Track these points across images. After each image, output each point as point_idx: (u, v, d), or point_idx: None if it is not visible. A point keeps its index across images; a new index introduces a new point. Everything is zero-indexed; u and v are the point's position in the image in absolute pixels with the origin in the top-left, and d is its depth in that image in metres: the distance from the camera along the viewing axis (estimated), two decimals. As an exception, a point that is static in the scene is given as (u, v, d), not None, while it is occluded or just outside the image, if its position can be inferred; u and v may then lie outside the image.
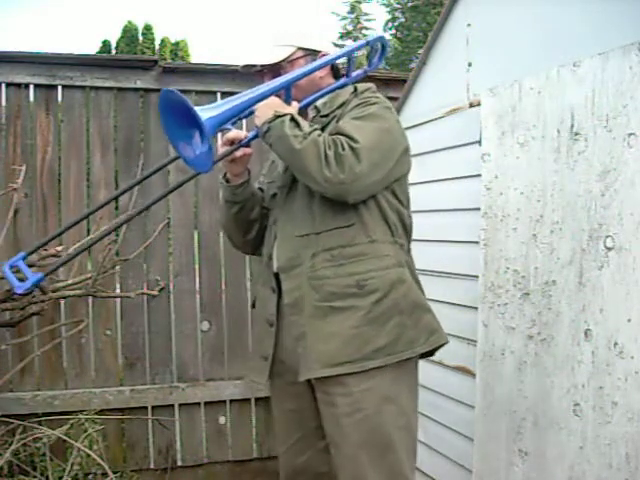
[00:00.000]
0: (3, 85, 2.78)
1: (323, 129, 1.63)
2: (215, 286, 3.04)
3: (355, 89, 1.72)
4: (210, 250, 3.03)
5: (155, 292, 2.90)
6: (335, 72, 1.79)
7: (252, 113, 1.60)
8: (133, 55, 15.72)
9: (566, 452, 1.77)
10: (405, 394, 1.63)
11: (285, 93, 1.61)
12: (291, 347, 1.65)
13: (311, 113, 1.74)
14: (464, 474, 2.35)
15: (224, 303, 3.03)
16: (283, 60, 1.69)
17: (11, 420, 2.55)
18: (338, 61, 1.77)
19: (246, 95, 1.55)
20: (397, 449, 1.59)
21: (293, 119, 1.53)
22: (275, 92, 1.60)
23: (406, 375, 1.64)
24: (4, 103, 2.79)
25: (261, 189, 1.87)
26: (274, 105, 1.58)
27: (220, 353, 3.03)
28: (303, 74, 1.64)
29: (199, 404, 2.99)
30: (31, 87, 2.81)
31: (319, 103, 1.73)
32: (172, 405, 2.95)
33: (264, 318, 1.73)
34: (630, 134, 1.61)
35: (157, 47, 21.90)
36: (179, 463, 2.98)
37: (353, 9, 30.57)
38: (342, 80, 1.77)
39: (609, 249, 1.66)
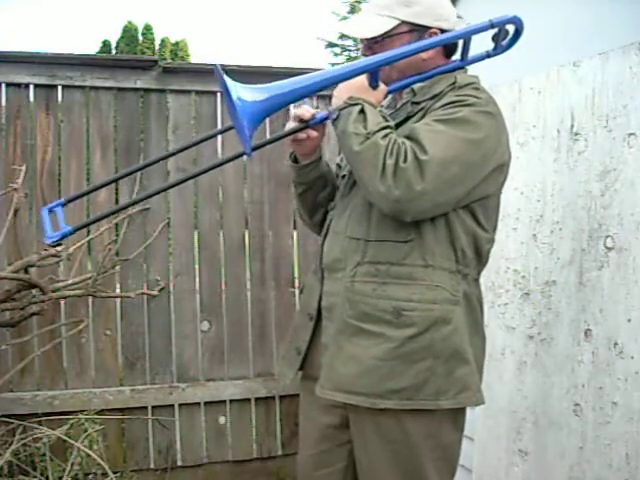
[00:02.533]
0: (3, 85, 2.77)
1: (407, 119, 1.44)
2: (215, 286, 3.04)
3: (455, 81, 1.45)
4: (210, 250, 3.03)
5: (155, 292, 2.90)
6: (448, 52, 1.51)
7: (308, 95, 1.40)
8: (133, 55, 15.72)
9: (566, 452, 1.77)
10: (447, 427, 1.45)
11: (371, 76, 1.38)
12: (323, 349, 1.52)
13: (406, 96, 1.49)
14: (464, 474, 2.35)
15: (224, 303, 3.03)
16: (382, 35, 1.43)
17: (11, 420, 2.55)
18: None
19: (313, 77, 1.35)
20: (429, 476, 1.43)
21: (362, 110, 1.33)
22: (353, 76, 1.37)
23: (448, 413, 1.44)
24: (4, 103, 2.78)
25: (339, 165, 1.68)
26: (354, 88, 1.37)
27: (220, 353, 3.02)
28: (397, 57, 1.39)
29: (199, 404, 2.99)
30: (31, 87, 2.80)
31: (416, 86, 1.47)
32: (172, 405, 2.95)
33: (306, 310, 1.59)
34: (630, 134, 1.61)
35: (157, 47, 21.90)
36: (179, 463, 2.98)
37: (353, 9, 30.55)
38: (454, 63, 1.50)
39: (609, 249, 1.66)
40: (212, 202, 3.01)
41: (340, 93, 1.39)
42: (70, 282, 2.62)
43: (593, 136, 1.71)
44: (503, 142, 1.42)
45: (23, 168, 2.59)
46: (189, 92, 2.95)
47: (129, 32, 21.75)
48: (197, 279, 3.02)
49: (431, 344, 1.38)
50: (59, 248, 2.42)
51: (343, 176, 1.59)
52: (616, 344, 1.63)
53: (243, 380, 3.01)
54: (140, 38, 21.95)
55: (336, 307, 1.46)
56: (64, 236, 1.36)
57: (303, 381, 1.63)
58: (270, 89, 1.30)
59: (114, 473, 2.51)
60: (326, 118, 1.43)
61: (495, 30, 1.46)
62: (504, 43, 1.51)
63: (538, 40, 2.02)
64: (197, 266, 3.03)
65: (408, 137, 1.32)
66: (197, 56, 25.71)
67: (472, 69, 1.58)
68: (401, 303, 1.38)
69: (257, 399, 3.05)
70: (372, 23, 1.44)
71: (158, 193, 1.66)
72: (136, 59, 3.24)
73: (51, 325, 2.76)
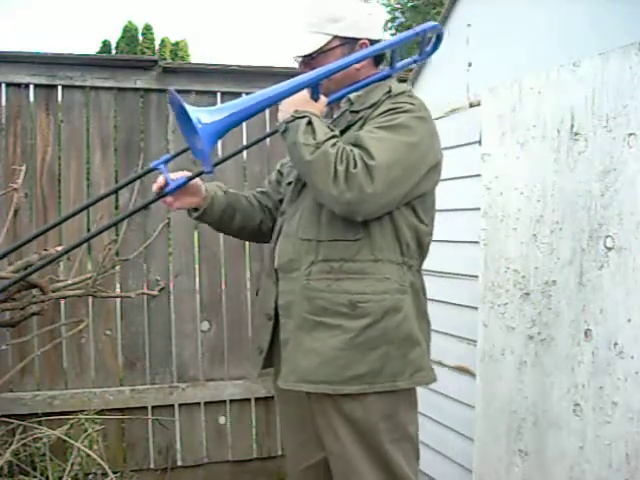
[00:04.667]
0: (3, 85, 2.78)
1: (348, 128, 1.54)
2: (215, 286, 3.04)
3: (390, 90, 1.56)
4: (210, 250, 3.03)
5: (155, 292, 2.90)
6: (377, 60, 1.63)
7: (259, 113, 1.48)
8: (133, 55, 15.71)
9: (566, 452, 1.77)
10: (401, 409, 1.56)
11: (312, 90, 1.48)
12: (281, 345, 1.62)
13: (343, 106, 1.61)
14: (464, 474, 2.35)
15: (224, 303, 3.03)
16: (315, 51, 1.56)
17: (11, 420, 2.55)
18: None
19: (257, 97, 1.42)
20: (394, 458, 1.54)
21: (310, 122, 1.42)
22: (296, 91, 1.46)
23: (402, 394, 1.56)
24: (4, 103, 2.79)
25: (281, 172, 1.78)
26: (298, 102, 1.47)
27: (220, 353, 3.03)
28: (334, 70, 1.49)
29: (199, 404, 2.99)
30: (31, 87, 2.81)
31: (352, 96, 1.59)
32: (172, 405, 2.95)
33: (264, 311, 1.68)
34: (630, 134, 1.61)
35: (157, 47, 21.89)
36: (179, 463, 2.98)
37: (353, 9, 30.53)
38: (384, 71, 1.61)
39: (609, 249, 1.66)
40: (212, 202, 3.01)
41: (286, 107, 1.48)
42: (70, 282, 2.62)
43: (593, 136, 1.71)
44: (435, 143, 1.54)
45: (23, 168, 2.60)
46: (189, 92, 2.95)
47: (129, 32, 21.74)
48: (197, 279, 3.03)
49: (385, 331, 1.49)
50: (59, 248, 2.42)
51: (289, 183, 1.68)
52: (616, 344, 1.63)
53: (243, 380, 3.01)
54: (140, 38, 21.94)
55: (293, 305, 1.55)
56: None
57: (275, 379, 1.71)
58: (225, 109, 1.37)
59: (114, 473, 2.51)
60: (187, 181, 1.54)
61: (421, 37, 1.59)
62: (428, 49, 1.65)
63: (538, 40, 2.02)
64: (197, 266, 3.03)
65: (354, 144, 1.42)
66: (197, 56, 25.72)
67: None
68: (356, 296, 1.49)
69: (257, 399, 3.05)
70: (306, 41, 1.56)
71: (153, 202, 1.69)
72: (136, 59, 3.25)
73: (51, 325, 2.76)
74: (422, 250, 1.62)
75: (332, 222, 1.51)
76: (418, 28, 1.59)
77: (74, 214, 1.63)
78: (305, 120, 1.42)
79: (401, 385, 1.52)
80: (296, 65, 1.65)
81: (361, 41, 1.58)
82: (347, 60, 1.50)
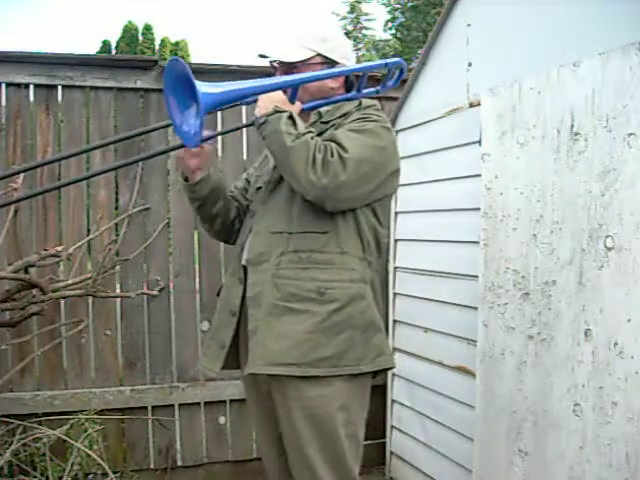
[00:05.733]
0: (3, 85, 2.78)
1: (320, 134, 1.64)
2: (215, 286, 3.01)
3: (360, 103, 1.73)
4: (210, 250, 3.03)
5: (155, 292, 2.91)
6: (348, 86, 1.80)
7: (255, 102, 1.62)
8: (133, 55, 15.72)
9: (566, 452, 1.77)
10: (356, 405, 1.66)
11: (291, 92, 1.62)
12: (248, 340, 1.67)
13: (313, 117, 1.75)
14: (464, 474, 2.35)
15: (224, 303, 3.03)
16: (300, 61, 1.70)
17: (11, 420, 2.55)
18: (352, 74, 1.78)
19: (252, 83, 1.55)
20: (347, 455, 1.63)
21: (291, 117, 1.55)
22: (282, 88, 1.60)
23: (359, 387, 1.66)
24: (4, 103, 2.78)
25: (248, 180, 1.90)
26: (277, 100, 1.59)
27: (220, 353, 3.02)
28: (314, 78, 1.64)
29: (199, 404, 2.99)
30: (31, 87, 2.81)
31: (322, 110, 1.74)
32: (172, 405, 2.95)
33: (227, 307, 1.75)
34: (630, 134, 1.61)
35: (157, 47, 21.91)
36: (179, 463, 2.98)
37: (353, 9, 30.53)
38: (351, 94, 1.77)
39: (609, 249, 1.66)
40: (212, 202, 3.01)
41: (264, 103, 1.59)
42: (70, 282, 2.62)
43: (593, 136, 1.71)
44: (397, 153, 1.71)
45: (23, 168, 2.59)
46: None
47: (129, 32, 21.76)
48: (197, 279, 3.03)
49: (351, 316, 1.61)
50: (59, 248, 2.42)
51: (258, 188, 1.79)
52: (616, 344, 1.63)
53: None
54: (140, 38, 21.96)
55: (263, 294, 1.63)
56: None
57: (244, 376, 1.78)
58: (219, 86, 1.47)
59: (114, 473, 2.51)
60: (208, 138, 1.64)
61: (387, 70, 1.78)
62: (389, 83, 1.83)
63: (538, 40, 2.02)
64: (197, 266, 3.03)
65: (330, 140, 1.56)
66: (197, 56, 25.74)
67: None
68: (324, 283, 1.60)
69: (257, 399, 3.04)
70: (293, 50, 1.70)
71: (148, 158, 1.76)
72: (136, 59, 3.24)
73: (51, 325, 2.76)
74: (379, 250, 1.74)
75: (303, 216, 1.62)
76: (387, 60, 1.79)
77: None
78: (287, 114, 1.55)
79: (364, 369, 1.62)
80: (267, 65, 1.76)
81: (339, 64, 1.74)
82: (325, 72, 1.68)
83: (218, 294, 1.87)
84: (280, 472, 1.82)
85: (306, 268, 1.61)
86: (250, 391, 1.84)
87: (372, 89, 1.82)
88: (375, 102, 1.76)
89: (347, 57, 1.78)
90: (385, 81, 1.82)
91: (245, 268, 1.71)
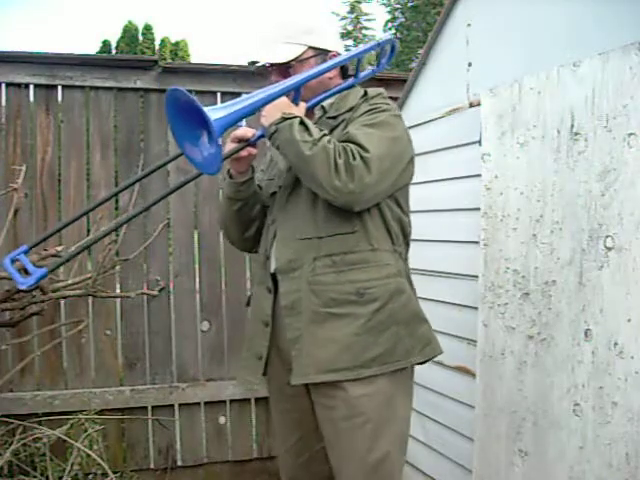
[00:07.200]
0: (3, 85, 2.78)
1: (331, 132, 1.61)
2: (215, 286, 3.04)
3: (365, 93, 1.70)
4: (210, 250, 3.03)
5: (155, 292, 2.90)
6: (344, 72, 1.77)
7: (258, 110, 1.57)
8: (133, 55, 15.73)
9: (566, 452, 1.77)
10: (401, 401, 1.64)
11: (294, 94, 1.59)
12: (286, 349, 1.64)
13: (317, 113, 1.71)
14: (464, 474, 2.35)
15: (224, 303, 3.03)
16: (293, 60, 1.65)
17: (11, 420, 2.55)
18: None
19: (256, 96, 1.51)
20: (392, 456, 1.60)
21: (302, 122, 1.51)
22: (286, 93, 1.57)
23: (402, 383, 1.65)
24: (4, 103, 2.79)
25: (260, 186, 1.84)
26: (281, 106, 1.55)
27: (220, 353, 3.03)
28: (315, 75, 1.61)
29: (199, 404, 2.99)
30: (31, 87, 2.81)
31: (326, 103, 1.71)
32: (172, 405, 2.96)
33: (259, 318, 1.71)
34: (630, 134, 1.60)
35: (157, 47, 21.91)
36: (179, 463, 2.98)
37: (353, 9, 30.57)
38: (350, 80, 1.75)
39: (609, 249, 1.66)
40: (212, 202, 3.01)
41: (270, 112, 1.55)
42: (70, 282, 2.62)
43: (593, 136, 1.71)
44: (410, 138, 1.67)
45: (23, 168, 2.59)
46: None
47: (129, 32, 21.77)
48: (197, 279, 3.03)
49: (393, 312, 1.59)
50: (59, 248, 2.42)
51: (273, 193, 1.74)
52: (616, 344, 1.63)
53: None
54: (140, 38, 21.97)
55: (300, 302, 1.60)
56: (40, 279, 1.38)
57: (268, 381, 1.76)
58: (225, 108, 1.44)
59: (114, 473, 2.51)
60: (262, 135, 1.59)
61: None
62: (383, 60, 1.80)
63: (538, 40, 2.02)
64: (197, 266, 3.03)
65: (347, 140, 1.52)
66: (197, 56, 25.76)
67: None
68: (363, 284, 1.58)
69: (257, 399, 3.05)
70: (282, 50, 1.65)
71: (159, 201, 1.70)
72: (136, 59, 3.24)
73: (51, 325, 2.77)
74: (406, 240, 1.73)
75: (328, 219, 1.59)
76: (379, 41, 1.77)
77: (98, 205, 1.71)
78: (297, 120, 1.51)
79: (413, 360, 1.63)
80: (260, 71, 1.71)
81: (331, 53, 1.70)
82: (325, 66, 1.64)
83: (248, 304, 1.83)
84: (295, 473, 1.80)
85: (342, 271, 1.58)
86: (274, 395, 1.81)
87: (369, 71, 1.80)
88: (381, 90, 1.72)
89: (336, 42, 1.75)
90: (379, 60, 1.80)
91: (274, 276, 1.67)
